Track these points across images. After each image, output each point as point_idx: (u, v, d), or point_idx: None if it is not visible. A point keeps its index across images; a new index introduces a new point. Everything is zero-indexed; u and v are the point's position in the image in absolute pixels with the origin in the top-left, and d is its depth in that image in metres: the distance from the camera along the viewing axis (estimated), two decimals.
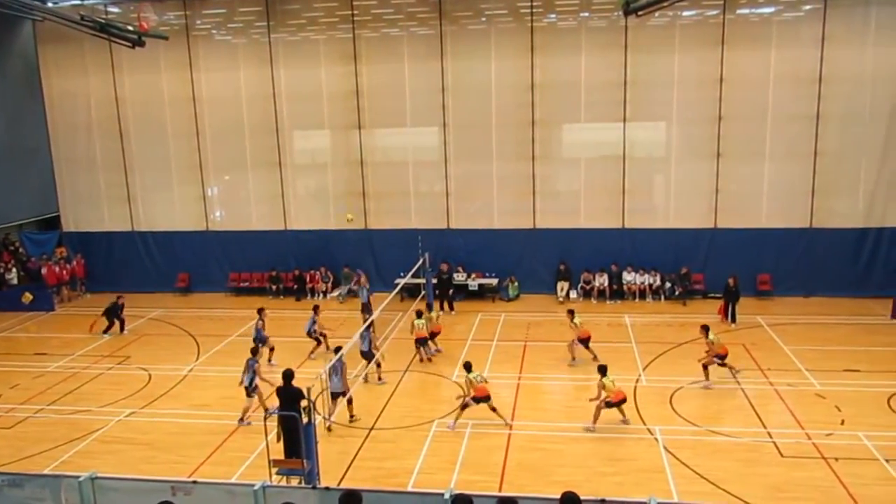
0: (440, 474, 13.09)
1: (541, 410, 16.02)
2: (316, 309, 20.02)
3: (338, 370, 15.28)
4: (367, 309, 20.97)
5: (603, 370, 14.98)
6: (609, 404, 14.63)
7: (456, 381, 17.60)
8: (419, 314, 19.01)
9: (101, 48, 25.71)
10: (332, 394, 15.40)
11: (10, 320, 24.55)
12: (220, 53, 26.29)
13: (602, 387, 14.73)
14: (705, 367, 16.73)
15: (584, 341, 18.48)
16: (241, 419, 15.49)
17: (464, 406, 14.88)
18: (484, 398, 14.76)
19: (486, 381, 15.22)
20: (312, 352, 19.57)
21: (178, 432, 15.38)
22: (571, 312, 18.91)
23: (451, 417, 15.18)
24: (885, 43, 22.22)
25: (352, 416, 15.51)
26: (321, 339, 19.66)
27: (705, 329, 17.12)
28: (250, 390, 15.52)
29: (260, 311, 19.40)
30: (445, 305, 23.68)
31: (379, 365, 17.70)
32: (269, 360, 18.86)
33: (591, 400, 14.99)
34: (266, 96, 25.96)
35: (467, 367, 15.30)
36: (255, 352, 16.08)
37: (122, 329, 22.56)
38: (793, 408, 15.46)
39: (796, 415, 15.12)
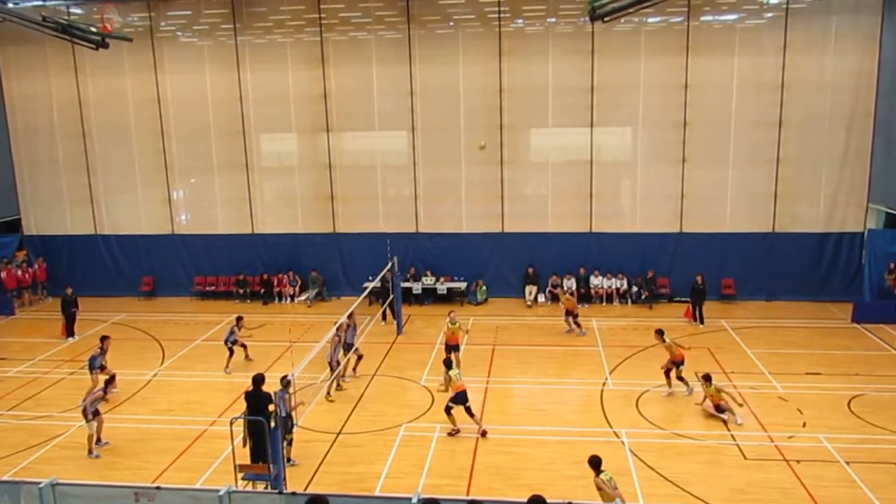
0: (408, 478, 13.07)
1: (508, 414, 16.06)
2: (239, 320, 19.45)
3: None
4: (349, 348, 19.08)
5: (596, 463, 11.09)
6: None
7: (424, 385, 17.61)
8: (448, 364, 16.01)
9: (64, 49, 25.27)
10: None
11: None
12: (186, 55, 25.98)
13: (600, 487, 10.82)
14: (667, 373, 16.76)
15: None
16: (90, 451, 14.41)
17: (447, 409, 14.76)
18: (461, 397, 14.71)
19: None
20: (227, 365, 18.96)
21: (141, 438, 15.14)
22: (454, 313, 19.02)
23: (420, 422, 15.19)
24: (844, 51, 22.75)
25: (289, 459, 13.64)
26: (237, 349, 19.16)
27: (660, 333, 16.97)
28: (88, 414, 14.47)
29: (103, 338, 18.03)
30: (389, 314, 22.91)
31: (338, 386, 17.18)
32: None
33: None
34: (232, 99, 25.72)
35: (447, 364, 15.59)
36: (109, 381, 15.39)
37: (72, 333, 22.12)
38: (756, 410, 15.70)
39: (759, 417, 15.35)
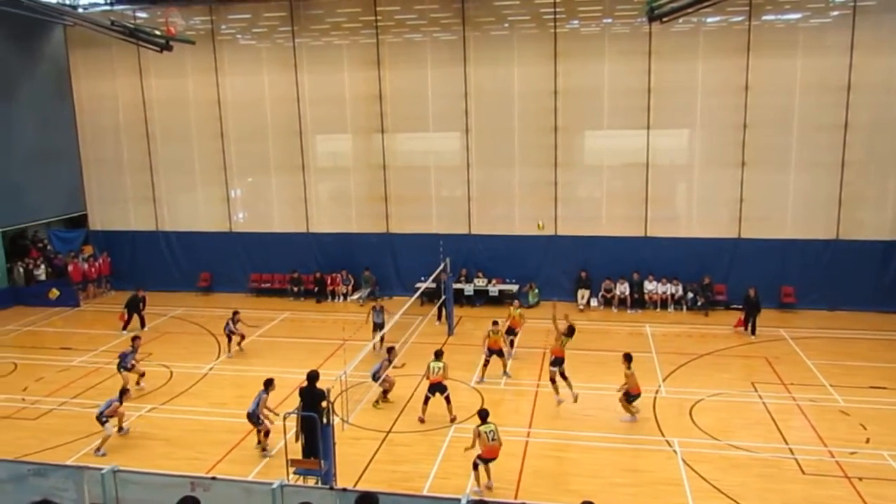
0: (455, 479, 13.09)
1: (558, 418, 15.92)
2: (235, 314, 20.67)
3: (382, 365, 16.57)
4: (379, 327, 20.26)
5: (483, 415, 13.00)
6: (482, 458, 12.67)
7: (474, 387, 17.61)
8: (438, 354, 16.28)
9: (130, 52, 26.16)
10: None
11: (37, 315, 25.00)
12: (245, 57, 26.57)
13: (478, 435, 12.70)
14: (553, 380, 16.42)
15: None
16: (98, 449, 14.64)
17: (426, 399, 15.68)
18: (437, 387, 15.57)
19: (443, 374, 15.77)
20: (231, 349, 20.57)
21: (196, 429, 15.55)
22: (494, 323, 18.43)
23: (469, 423, 15.17)
24: None
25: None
26: (232, 338, 20.58)
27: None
28: (102, 419, 14.80)
29: (135, 338, 18.58)
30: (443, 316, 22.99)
31: (386, 393, 17.02)
32: (138, 384, 17.97)
33: (466, 449, 13.03)
34: (290, 100, 26.17)
35: (437, 354, 16.03)
36: (123, 392, 15.43)
37: (142, 325, 22.92)
38: (815, 424, 15.23)
39: (819, 431, 14.89)
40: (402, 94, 25.48)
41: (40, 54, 27.26)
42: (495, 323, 18.36)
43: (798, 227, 23.48)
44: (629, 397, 15.59)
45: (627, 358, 15.81)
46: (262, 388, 14.71)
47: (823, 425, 15.12)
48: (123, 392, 15.47)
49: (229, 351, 20.46)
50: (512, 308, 20.36)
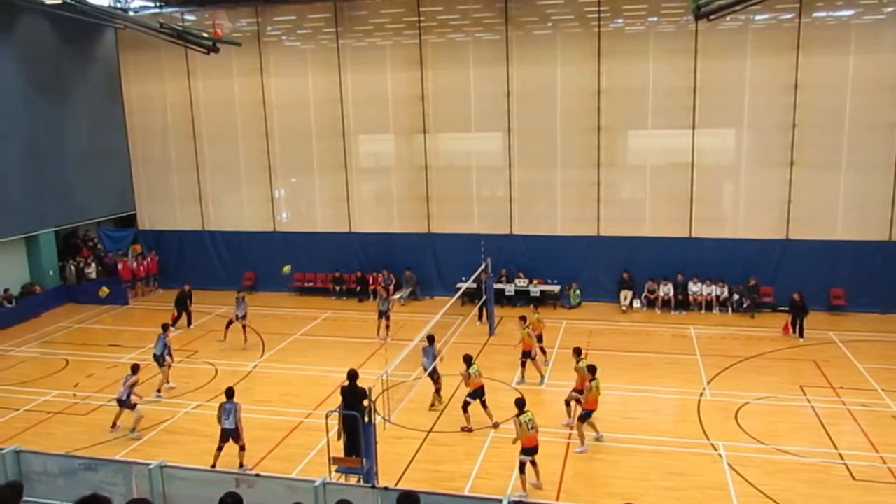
0: (496, 480, 13.07)
1: (600, 420, 15.63)
2: (239, 291, 22.09)
3: (429, 354, 16.35)
4: (384, 315, 21.55)
5: (520, 404, 12.90)
6: (525, 451, 12.58)
7: (514, 388, 17.55)
8: (469, 359, 15.59)
9: (178, 54, 26.70)
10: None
11: (88, 312, 25.69)
12: (290, 59, 26.91)
13: (518, 425, 12.66)
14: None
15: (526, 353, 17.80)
16: (113, 425, 15.53)
17: (465, 405, 15.23)
18: (478, 392, 15.21)
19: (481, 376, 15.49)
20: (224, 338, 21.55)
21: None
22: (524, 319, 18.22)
23: (510, 424, 15.13)
24: None
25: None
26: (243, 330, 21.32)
27: (467, 360, 15.52)
28: (125, 403, 15.39)
29: (165, 326, 18.74)
30: (484, 314, 22.94)
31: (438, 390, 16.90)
32: (168, 381, 18.19)
33: (514, 441, 12.92)
34: (333, 101, 26.43)
35: (467, 360, 15.41)
36: (134, 369, 15.77)
37: (188, 323, 23.39)
38: (867, 429, 14.82)
39: (870, 437, 14.47)
40: (445, 94, 25.53)
41: (92, 57, 28.02)
42: (523, 318, 18.21)
43: (849, 229, 22.87)
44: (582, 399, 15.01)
45: (577, 352, 15.54)
46: (226, 398, 13.97)
47: (875, 431, 14.71)
48: (136, 368, 15.79)
49: (224, 338, 21.45)
50: (530, 312, 19.47)
